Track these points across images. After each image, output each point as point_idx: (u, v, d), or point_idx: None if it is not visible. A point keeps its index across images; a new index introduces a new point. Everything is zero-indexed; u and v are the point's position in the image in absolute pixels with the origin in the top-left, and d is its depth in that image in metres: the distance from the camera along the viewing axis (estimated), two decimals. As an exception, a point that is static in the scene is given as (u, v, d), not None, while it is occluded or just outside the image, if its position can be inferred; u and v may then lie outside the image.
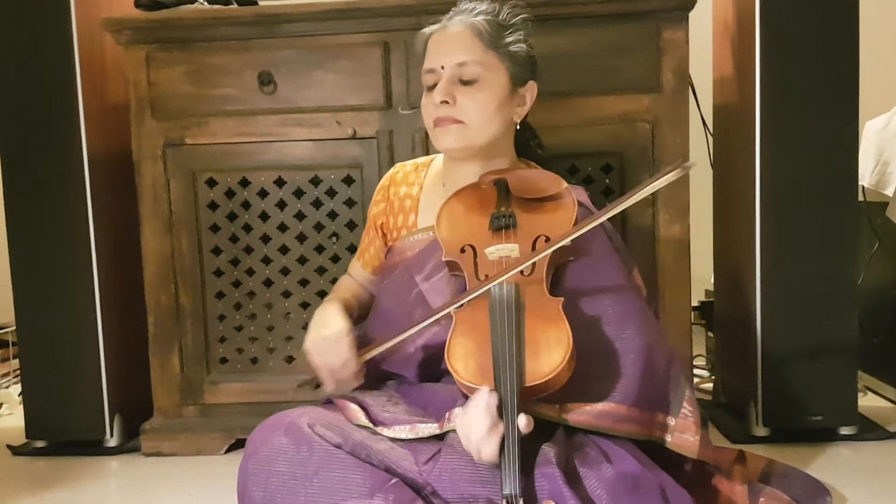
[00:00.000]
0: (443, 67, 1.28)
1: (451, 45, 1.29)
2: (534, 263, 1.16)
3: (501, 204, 1.27)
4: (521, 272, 1.14)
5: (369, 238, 1.47)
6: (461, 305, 1.14)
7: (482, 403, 0.99)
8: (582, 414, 1.07)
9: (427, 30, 1.34)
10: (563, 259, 1.20)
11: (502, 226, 1.22)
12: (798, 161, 1.61)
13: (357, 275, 1.50)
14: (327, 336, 1.26)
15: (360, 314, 1.43)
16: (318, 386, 1.31)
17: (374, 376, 1.34)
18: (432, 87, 1.30)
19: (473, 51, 1.28)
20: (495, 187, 1.30)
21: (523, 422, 0.98)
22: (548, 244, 1.16)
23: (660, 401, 1.12)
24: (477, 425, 0.98)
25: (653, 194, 1.64)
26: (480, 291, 1.12)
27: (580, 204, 1.27)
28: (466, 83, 1.28)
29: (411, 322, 1.24)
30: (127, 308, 1.82)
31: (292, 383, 1.71)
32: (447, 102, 1.27)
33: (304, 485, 1.04)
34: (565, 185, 1.29)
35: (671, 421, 1.12)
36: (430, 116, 1.30)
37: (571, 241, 1.17)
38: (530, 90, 1.35)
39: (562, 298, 1.10)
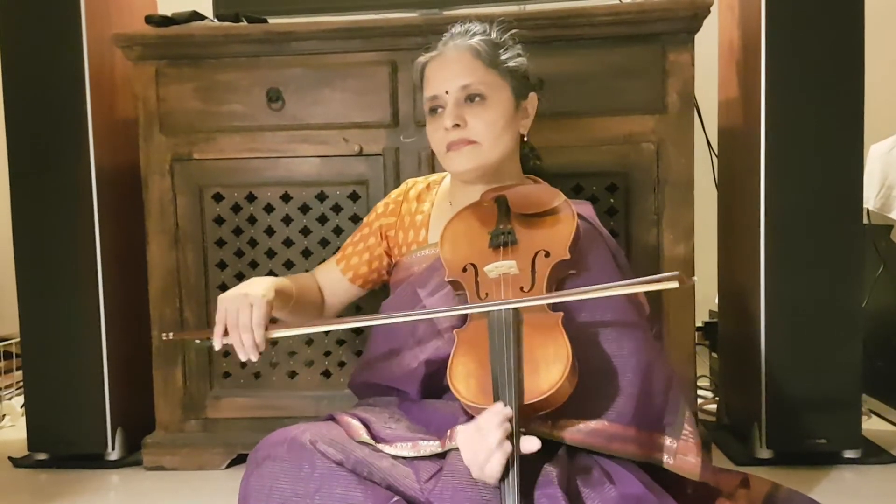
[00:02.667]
0: (447, 92, 1.29)
1: (452, 69, 1.30)
2: (534, 279, 1.16)
3: (501, 221, 1.27)
4: (521, 288, 1.15)
5: (365, 245, 1.47)
6: (462, 324, 1.15)
7: (496, 417, 0.97)
8: (576, 432, 1.06)
9: (422, 58, 1.35)
10: (564, 273, 1.20)
11: (501, 243, 1.23)
12: (802, 183, 1.61)
13: (326, 276, 1.49)
14: (246, 294, 1.23)
15: (297, 308, 1.39)
16: (205, 342, 1.24)
17: (376, 392, 1.34)
18: (436, 114, 1.31)
19: (475, 72, 1.29)
20: (496, 204, 1.31)
21: (533, 445, 0.97)
22: (548, 260, 1.17)
23: (658, 421, 1.12)
24: (488, 439, 0.96)
25: (657, 214, 1.65)
26: (476, 308, 1.12)
27: (581, 217, 1.27)
28: (473, 104, 1.29)
29: (415, 338, 1.25)
30: (131, 321, 1.82)
31: (296, 399, 1.72)
32: (458, 126, 1.28)
33: (306, 502, 1.04)
34: (563, 198, 1.30)
35: (671, 443, 1.11)
36: (440, 142, 1.31)
37: (571, 255, 1.18)
38: (531, 102, 1.37)
39: (561, 313, 1.10)
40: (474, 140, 1.29)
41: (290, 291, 1.36)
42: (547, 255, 1.19)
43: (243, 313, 1.21)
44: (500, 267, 1.18)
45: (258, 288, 1.26)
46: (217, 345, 1.22)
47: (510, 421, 0.98)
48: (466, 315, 1.16)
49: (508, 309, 1.10)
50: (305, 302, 1.43)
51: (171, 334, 1.29)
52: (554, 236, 1.22)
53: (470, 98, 1.29)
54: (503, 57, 1.32)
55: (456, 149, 1.29)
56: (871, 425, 1.91)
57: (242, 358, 1.21)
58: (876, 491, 1.52)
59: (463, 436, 1.02)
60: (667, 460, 1.10)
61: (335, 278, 1.49)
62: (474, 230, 1.28)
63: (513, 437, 0.97)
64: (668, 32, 1.62)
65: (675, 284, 1.09)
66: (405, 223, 1.43)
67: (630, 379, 1.10)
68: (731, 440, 1.78)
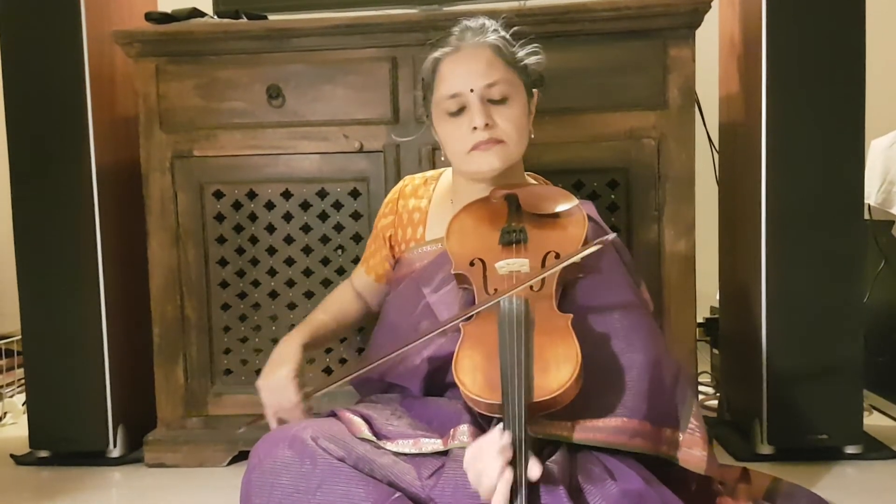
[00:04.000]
0: (472, 91, 1.26)
1: (475, 66, 1.27)
2: (543, 280, 1.16)
3: (512, 219, 1.27)
4: (531, 287, 1.14)
5: (375, 246, 1.48)
6: (469, 318, 1.14)
7: (494, 445, 0.95)
8: (595, 431, 1.05)
9: (437, 53, 1.31)
10: (573, 275, 1.20)
11: (513, 240, 1.22)
12: (804, 179, 1.61)
13: (359, 281, 1.52)
14: (274, 379, 1.33)
15: (342, 331, 1.53)
16: (264, 426, 1.34)
17: (379, 389, 1.34)
18: (457, 113, 1.28)
19: (498, 70, 1.27)
20: (506, 202, 1.30)
21: (535, 472, 0.94)
22: (558, 261, 1.16)
23: (668, 416, 1.11)
24: (489, 469, 0.94)
25: (658, 210, 1.65)
26: (488, 305, 1.12)
27: (590, 219, 1.27)
28: (498, 103, 1.27)
29: (417, 334, 1.24)
30: (132, 319, 1.82)
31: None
32: (489, 125, 1.25)
33: (307, 498, 1.04)
34: (576, 201, 1.29)
35: (679, 436, 1.11)
36: (465, 142, 1.28)
37: (581, 258, 1.17)
38: (536, 99, 1.37)
39: (571, 315, 1.10)
40: (502, 139, 1.27)
41: (325, 329, 1.46)
42: (557, 256, 1.18)
43: (279, 398, 1.33)
44: (511, 264, 1.17)
45: (284, 366, 1.34)
46: (274, 426, 1.33)
47: (512, 445, 0.95)
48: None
49: (520, 299, 1.09)
50: (346, 322, 1.51)
51: (243, 428, 1.41)
52: (565, 238, 1.22)
53: (493, 97, 1.27)
54: (518, 54, 1.31)
55: (485, 148, 1.27)
56: (873, 421, 1.91)
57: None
58: (877, 486, 1.52)
59: (470, 456, 0.99)
60: (674, 454, 1.10)
61: (366, 282, 1.51)
62: (483, 225, 1.27)
63: (516, 431, 0.97)
64: (669, 28, 1.61)
65: (598, 247, 1.12)
66: (403, 220, 1.43)
67: (639, 376, 1.10)
68: (733, 436, 1.78)
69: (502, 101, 1.27)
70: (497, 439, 0.95)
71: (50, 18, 1.70)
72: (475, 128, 1.26)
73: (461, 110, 1.28)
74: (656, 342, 1.16)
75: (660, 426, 1.10)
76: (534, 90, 1.36)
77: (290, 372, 1.33)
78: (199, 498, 1.59)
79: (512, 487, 0.94)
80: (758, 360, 1.65)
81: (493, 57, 1.28)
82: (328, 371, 1.75)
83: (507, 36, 1.32)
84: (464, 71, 1.28)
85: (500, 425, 0.98)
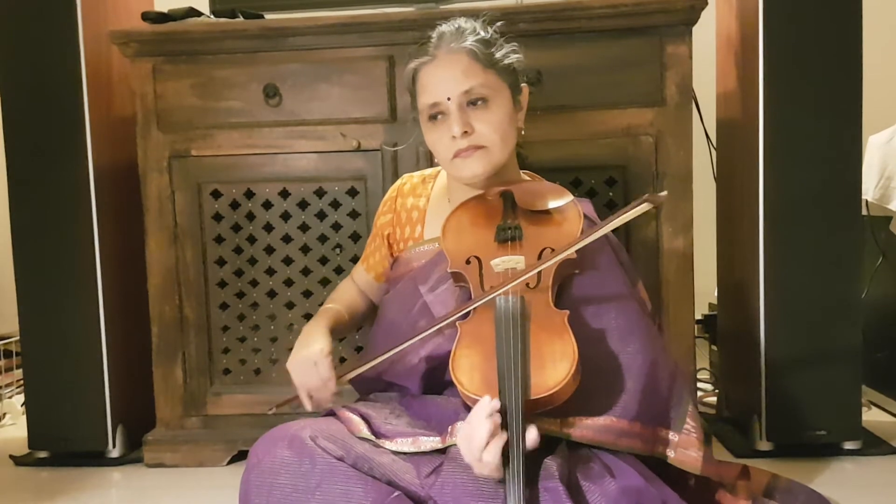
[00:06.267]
0: (449, 99, 1.25)
1: (451, 74, 1.26)
2: (539, 276, 1.16)
3: (507, 216, 1.27)
4: (527, 284, 1.14)
5: (375, 245, 1.48)
6: (466, 315, 1.14)
7: (483, 409, 0.99)
8: (584, 428, 1.07)
9: (413, 64, 1.31)
10: (569, 272, 1.20)
11: (508, 238, 1.22)
12: (801, 175, 1.61)
13: (359, 279, 1.52)
14: (307, 356, 1.30)
15: (354, 324, 1.50)
16: (296, 407, 1.32)
17: (377, 388, 1.34)
18: (438, 121, 1.28)
19: (475, 75, 1.26)
20: (501, 199, 1.30)
21: (532, 435, 0.97)
22: (553, 255, 1.16)
23: (662, 416, 1.12)
24: (478, 431, 0.97)
25: (656, 207, 1.65)
26: (483, 301, 1.12)
27: (585, 217, 1.27)
28: (477, 108, 1.26)
29: (415, 333, 1.25)
30: (131, 319, 1.82)
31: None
32: (467, 133, 1.25)
33: (307, 497, 1.04)
34: (571, 197, 1.29)
35: (674, 437, 1.12)
36: (447, 150, 1.28)
37: (576, 253, 1.17)
38: (524, 95, 1.35)
39: (567, 311, 1.10)
40: (483, 145, 1.26)
41: (342, 318, 1.44)
42: (553, 252, 1.18)
43: (311, 377, 1.29)
44: (507, 261, 1.17)
45: (315, 344, 1.31)
46: (309, 408, 1.31)
47: (504, 413, 0.98)
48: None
49: (516, 297, 1.09)
50: (357, 316, 1.50)
51: (273, 409, 1.35)
52: (560, 234, 1.22)
53: (473, 102, 1.26)
54: (497, 55, 1.29)
55: (465, 155, 1.27)
56: (871, 416, 1.91)
57: (327, 408, 1.28)
58: (876, 482, 1.53)
59: (461, 434, 1.02)
60: (669, 454, 1.11)
61: (366, 280, 1.51)
62: (479, 223, 1.27)
63: (513, 429, 0.97)
64: (666, 25, 1.61)
65: (647, 206, 1.06)
66: (401, 219, 1.43)
67: (635, 375, 1.11)
68: (732, 433, 1.79)
69: (482, 105, 1.26)
70: (485, 404, 0.98)
71: (46, 18, 1.70)
72: (455, 136, 1.25)
73: (442, 118, 1.27)
74: (652, 342, 1.17)
75: (653, 426, 1.10)
76: (522, 86, 1.34)
77: (322, 348, 1.29)
78: (198, 498, 1.59)
79: (508, 480, 0.96)
80: (756, 356, 1.66)
81: (470, 62, 1.26)
82: (327, 370, 1.75)
83: (488, 37, 1.29)
84: (440, 79, 1.27)
85: (487, 396, 1.00)
